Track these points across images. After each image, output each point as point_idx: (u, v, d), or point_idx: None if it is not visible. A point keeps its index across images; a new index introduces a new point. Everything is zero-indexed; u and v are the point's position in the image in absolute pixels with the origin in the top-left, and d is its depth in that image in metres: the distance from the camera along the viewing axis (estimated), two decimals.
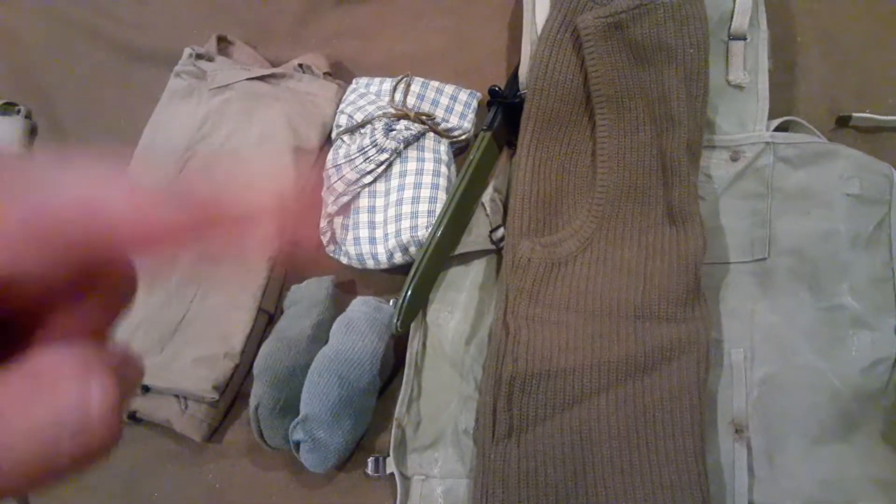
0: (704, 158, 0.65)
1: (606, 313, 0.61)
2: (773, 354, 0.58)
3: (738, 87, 0.66)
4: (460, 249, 0.67)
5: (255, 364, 0.66)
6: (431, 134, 0.73)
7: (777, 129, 0.66)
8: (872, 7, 0.73)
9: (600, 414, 0.57)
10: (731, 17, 0.67)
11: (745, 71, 0.66)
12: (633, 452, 0.55)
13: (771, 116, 0.66)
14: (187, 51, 0.82)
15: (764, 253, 0.61)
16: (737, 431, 0.56)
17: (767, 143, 0.64)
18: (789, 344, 0.58)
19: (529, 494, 0.55)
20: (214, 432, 0.70)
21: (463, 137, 0.75)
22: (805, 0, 0.74)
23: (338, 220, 0.71)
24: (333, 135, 0.75)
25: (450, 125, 0.75)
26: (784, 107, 0.70)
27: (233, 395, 0.71)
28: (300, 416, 0.62)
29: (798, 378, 0.57)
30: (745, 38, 0.67)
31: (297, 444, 0.63)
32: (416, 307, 0.65)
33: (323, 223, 0.71)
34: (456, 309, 0.67)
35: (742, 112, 0.66)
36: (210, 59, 0.83)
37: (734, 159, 0.64)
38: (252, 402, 0.65)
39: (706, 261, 0.61)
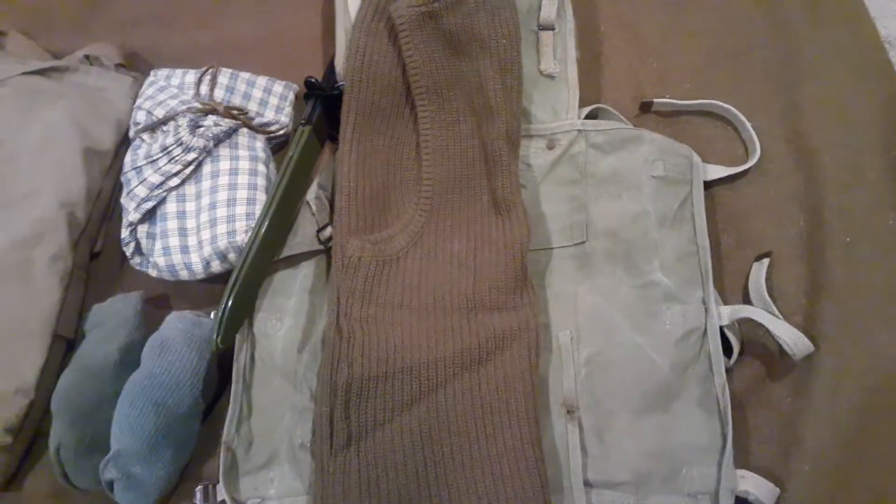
0: (523, 147, 0.66)
1: (440, 308, 0.60)
2: (597, 334, 0.60)
3: (550, 76, 0.68)
4: (286, 252, 0.64)
5: (52, 399, 0.59)
6: (245, 130, 0.68)
7: (587, 116, 0.68)
8: None
9: (439, 411, 0.56)
10: (539, 8, 0.68)
11: (556, 60, 0.68)
12: (473, 446, 0.55)
13: (581, 104, 0.68)
14: None
15: (583, 236, 0.63)
16: (568, 412, 0.58)
17: (579, 130, 0.66)
18: (610, 322, 0.61)
19: None
20: (12, 480, 0.63)
21: (281, 133, 0.71)
22: None
23: (142, 229, 0.64)
24: (131, 133, 0.68)
25: (265, 120, 0.70)
26: (592, 95, 0.73)
27: (30, 435, 0.63)
28: (111, 453, 0.56)
29: (620, 355, 0.59)
30: (553, 28, 0.69)
31: (111, 483, 0.56)
32: (240, 318, 0.61)
33: (125, 233, 0.64)
34: (285, 316, 0.63)
35: (555, 101, 0.68)
36: None
37: (550, 147, 0.66)
38: (52, 442, 0.58)
39: (531, 248, 0.62)
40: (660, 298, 0.61)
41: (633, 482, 0.56)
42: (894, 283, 0.63)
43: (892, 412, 0.59)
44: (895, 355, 0.61)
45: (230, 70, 0.70)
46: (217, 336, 0.58)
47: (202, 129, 0.65)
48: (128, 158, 0.66)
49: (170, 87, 0.68)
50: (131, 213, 0.63)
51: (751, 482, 0.55)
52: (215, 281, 0.66)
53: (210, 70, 0.69)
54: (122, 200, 0.65)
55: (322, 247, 0.64)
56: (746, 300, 0.64)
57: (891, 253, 0.65)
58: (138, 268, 0.65)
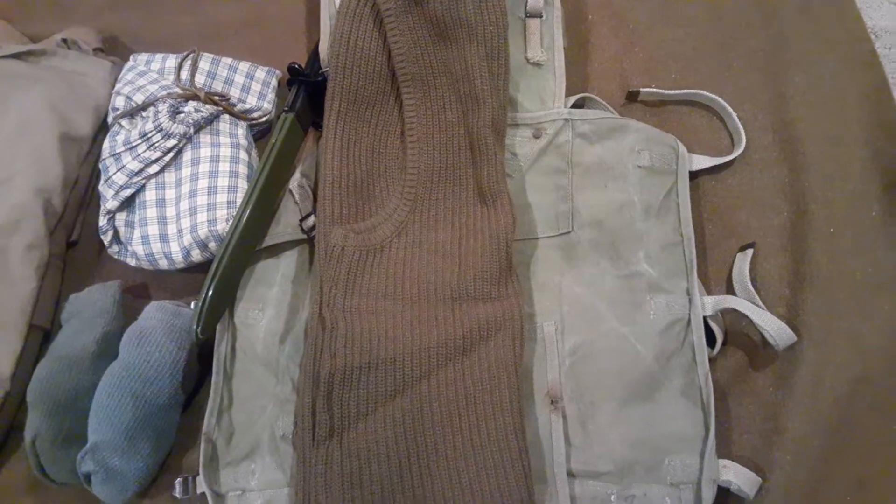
0: (509, 136, 0.65)
1: (424, 298, 0.59)
2: (581, 324, 0.60)
3: (537, 64, 0.67)
4: (268, 241, 0.63)
5: (28, 390, 0.58)
6: (226, 116, 0.67)
7: (574, 105, 0.68)
8: None
9: (423, 401, 0.55)
10: None
11: (543, 48, 0.67)
12: (457, 437, 0.55)
13: (568, 93, 0.68)
14: None
15: (568, 226, 0.63)
16: (552, 402, 0.58)
17: (566, 119, 0.65)
18: (595, 312, 0.60)
19: (354, 496, 0.53)
20: None
21: (263, 119, 0.70)
22: None
23: (120, 217, 0.63)
24: (109, 119, 0.67)
25: (247, 106, 0.69)
26: (579, 83, 0.73)
27: (5, 427, 0.62)
28: (88, 445, 0.55)
29: (604, 345, 0.59)
30: (541, 16, 0.68)
31: (88, 476, 0.56)
32: (220, 308, 0.60)
33: (103, 221, 0.62)
34: (267, 306, 0.62)
35: (542, 89, 0.67)
36: None
37: (536, 136, 0.65)
38: (28, 434, 0.57)
39: (516, 237, 0.61)
40: (644, 288, 0.61)
41: (616, 472, 0.56)
42: (877, 273, 0.64)
43: (874, 402, 0.60)
44: (877, 346, 0.61)
45: (212, 55, 0.68)
46: (197, 326, 0.57)
47: (182, 115, 0.63)
48: (106, 145, 0.64)
49: (150, 72, 0.67)
50: (109, 201, 0.62)
51: (733, 472, 0.55)
52: (195, 270, 0.65)
53: (191, 55, 0.67)
54: (100, 188, 0.63)
55: (305, 236, 0.64)
56: (730, 290, 0.64)
57: (873, 244, 0.65)
58: (116, 256, 0.64)
